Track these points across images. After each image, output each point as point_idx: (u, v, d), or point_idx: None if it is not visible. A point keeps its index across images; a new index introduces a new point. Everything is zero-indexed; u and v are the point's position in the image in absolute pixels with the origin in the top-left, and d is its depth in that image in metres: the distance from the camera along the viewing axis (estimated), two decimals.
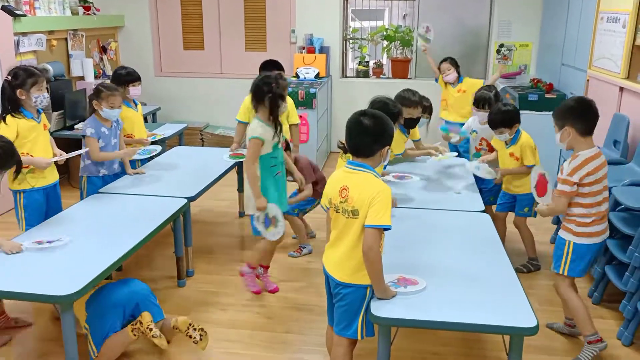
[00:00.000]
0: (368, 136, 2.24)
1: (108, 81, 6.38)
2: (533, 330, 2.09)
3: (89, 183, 3.67)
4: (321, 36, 6.80)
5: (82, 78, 6.19)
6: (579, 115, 2.70)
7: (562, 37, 5.56)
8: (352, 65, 7.47)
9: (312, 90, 5.73)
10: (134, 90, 4.16)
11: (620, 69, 4.12)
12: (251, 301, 3.50)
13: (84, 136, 3.61)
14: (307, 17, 6.84)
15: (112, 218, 3.16)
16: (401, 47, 7.07)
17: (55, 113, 5.29)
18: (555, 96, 5.37)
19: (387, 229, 2.21)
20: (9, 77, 3.14)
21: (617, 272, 3.18)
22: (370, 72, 7.19)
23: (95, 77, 6.39)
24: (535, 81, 5.90)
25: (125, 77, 4.14)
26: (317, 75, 6.36)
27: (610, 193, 3.29)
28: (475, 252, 2.68)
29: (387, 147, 2.32)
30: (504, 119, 3.64)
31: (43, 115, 3.32)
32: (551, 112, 5.17)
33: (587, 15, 4.89)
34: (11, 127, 3.09)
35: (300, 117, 5.72)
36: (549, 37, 6.08)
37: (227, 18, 7.02)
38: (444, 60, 5.33)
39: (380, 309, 2.21)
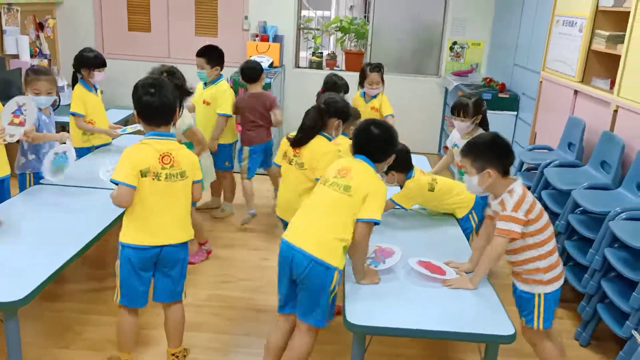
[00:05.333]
0: (378, 145, 2.42)
1: (45, 62, 6.03)
2: (510, 339, 2.07)
3: (36, 181, 3.35)
4: (275, 24, 6.62)
5: (16, 56, 5.73)
6: (502, 154, 2.36)
7: (515, 38, 5.65)
8: (304, 55, 7.34)
9: (267, 80, 5.54)
10: (98, 75, 3.88)
11: (575, 73, 4.21)
12: (208, 301, 3.34)
13: None
14: (261, 3, 6.63)
15: (56, 213, 2.90)
16: (355, 40, 7.00)
17: None
18: (508, 96, 5.47)
19: (377, 223, 2.30)
20: None
21: (574, 274, 3.24)
22: (324, 64, 7.08)
23: (31, 56, 5.93)
24: (488, 80, 5.98)
25: (93, 61, 3.85)
26: (271, 65, 6.18)
27: (569, 195, 3.37)
28: (446, 258, 2.62)
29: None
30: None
31: None
32: (505, 112, 5.28)
33: (542, 18, 4.98)
34: None
35: None
36: (501, 37, 6.18)
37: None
38: (375, 68, 4.40)
39: (356, 316, 2.12)
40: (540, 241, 2.33)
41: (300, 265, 2.25)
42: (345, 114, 3.03)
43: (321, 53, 7.11)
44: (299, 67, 7.03)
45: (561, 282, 2.42)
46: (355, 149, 2.45)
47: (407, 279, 2.42)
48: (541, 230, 2.33)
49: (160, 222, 2.45)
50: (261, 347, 2.90)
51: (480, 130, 3.51)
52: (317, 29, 7.08)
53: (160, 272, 2.54)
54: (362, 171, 2.35)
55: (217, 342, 2.96)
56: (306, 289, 2.28)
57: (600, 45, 3.99)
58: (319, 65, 7.03)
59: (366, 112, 4.33)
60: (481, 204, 3.16)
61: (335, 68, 7.04)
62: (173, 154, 2.41)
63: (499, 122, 5.39)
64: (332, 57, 7.10)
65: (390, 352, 2.92)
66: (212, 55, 4.15)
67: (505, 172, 2.35)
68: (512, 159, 2.40)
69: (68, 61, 6.76)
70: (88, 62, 3.82)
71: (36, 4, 6.17)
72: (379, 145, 2.42)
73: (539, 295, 2.38)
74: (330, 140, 2.99)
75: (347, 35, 6.98)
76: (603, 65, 4.08)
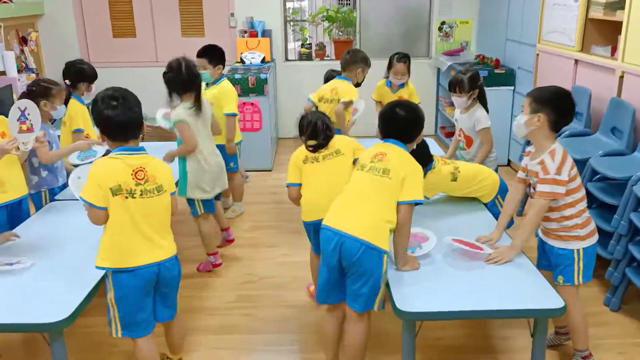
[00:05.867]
0: (405, 126, 2.42)
1: (33, 76, 5.90)
2: (561, 311, 2.09)
3: (51, 197, 3.27)
4: (262, 19, 6.55)
5: (2, 73, 5.60)
6: (561, 107, 2.39)
7: (505, 13, 5.66)
8: (291, 47, 7.28)
9: (262, 76, 5.50)
10: (94, 88, 3.77)
11: (575, 42, 4.23)
12: (236, 302, 3.32)
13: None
14: None
15: (79, 229, 2.81)
16: (343, 28, 6.96)
17: None
18: (504, 71, 5.48)
19: (419, 203, 2.30)
20: None
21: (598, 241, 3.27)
22: (313, 55, 7.03)
23: (18, 71, 5.81)
24: (481, 57, 5.99)
25: (90, 73, 3.74)
26: (263, 60, 6.13)
27: (584, 164, 3.39)
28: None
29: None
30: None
31: (2, 121, 2.88)
32: (502, 87, 5.27)
33: None
34: None
35: (252, 104, 5.52)
36: (490, 13, 6.19)
37: (159, 2, 6.60)
38: (402, 59, 4.32)
39: (405, 302, 2.12)
40: (578, 198, 2.42)
41: (352, 251, 2.21)
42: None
43: (310, 44, 7.06)
44: (288, 60, 6.98)
45: (596, 237, 2.50)
46: (384, 132, 2.46)
47: (444, 262, 2.42)
48: (579, 188, 2.42)
49: (143, 240, 2.25)
50: (297, 343, 2.93)
51: (479, 105, 3.57)
52: (304, 20, 7.03)
53: (160, 293, 2.38)
54: (397, 154, 2.36)
55: (252, 343, 2.95)
56: (358, 274, 2.24)
57: (597, 13, 4.00)
58: (308, 57, 6.98)
59: (391, 100, 4.34)
60: (506, 188, 3.17)
61: (325, 58, 7.00)
62: (146, 169, 2.22)
63: (497, 97, 5.41)
64: (321, 47, 7.05)
65: (433, 336, 2.93)
66: (213, 55, 4.09)
67: (554, 127, 2.41)
68: (569, 121, 2.46)
69: (53, 74, 6.68)
70: (86, 76, 3.70)
71: (18, 18, 6.04)
72: (407, 126, 2.43)
73: (578, 251, 2.45)
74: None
75: (335, 24, 6.94)
76: (601, 33, 4.10)
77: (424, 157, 2.92)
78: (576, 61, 4.26)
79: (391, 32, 6.88)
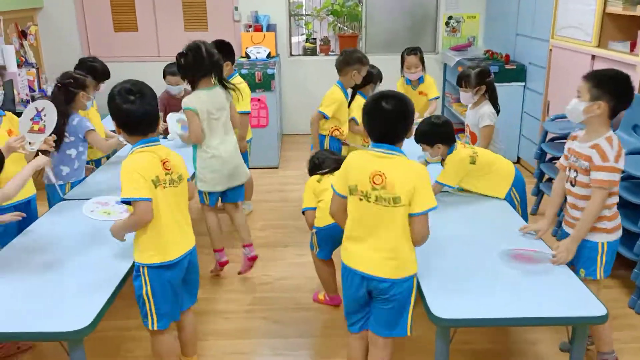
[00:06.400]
0: (394, 120, 2.08)
1: (33, 71, 5.75)
2: (603, 319, 2.00)
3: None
4: (266, 13, 6.43)
5: (2, 68, 5.46)
6: (621, 94, 2.29)
7: (516, 8, 5.57)
8: (295, 41, 7.17)
9: (269, 71, 5.39)
10: (103, 87, 3.67)
11: (592, 37, 4.15)
12: (253, 305, 3.23)
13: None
14: None
15: (91, 230, 2.70)
16: (348, 22, 6.86)
17: None
18: (515, 67, 5.40)
19: (435, 208, 2.08)
20: None
21: (620, 243, 3.19)
22: (318, 49, 6.93)
23: (18, 66, 5.67)
24: (490, 52, 5.91)
25: (102, 71, 3.68)
26: (269, 55, 6.02)
27: None
28: (510, 241, 2.53)
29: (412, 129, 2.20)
30: (425, 132, 2.95)
31: (10, 119, 2.79)
32: (513, 83, 5.21)
33: None
34: None
35: (258, 100, 5.42)
36: (499, 7, 6.10)
37: None
38: (412, 51, 4.31)
39: (441, 309, 2.03)
40: (616, 190, 2.37)
41: (381, 290, 2.11)
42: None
43: (314, 39, 6.96)
44: (292, 55, 6.87)
45: (620, 233, 2.45)
46: (371, 131, 2.12)
47: (479, 266, 2.32)
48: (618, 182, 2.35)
49: (179, 229, 2.29)
50: (315, 347, 2.85)
51: (487, 102, 3.53)
52: (309, 15, 6.92)
53: (186, 280, 2.40)
54: (397, 168, 2.05)
55: (270, 348, 2.86)
56: (389, 305, 2.13)
57: (616, 8, 3.92)
58: (313, 52, 6.88)
59: (413, 97, 4.26)
60: (522, 181, 3.10)
61: (330, 53, 6.89)
62: (169, 159, 2.25)
63: (507, 93, 5.34)
64: (326, 42, 6.95)
65: (458, 340, 2.84)
66: (223, 51, 3.93)
67: (613, 114, 2.32)
68: (627, 106, 2.36)
69: (52, 68, 6.54)
70: (99, 74, 3.61)
71: (17, 11, 5.89)
72: (397, 122, 2.07)
73: (602, 244, 2.40)
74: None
75: (339, 18, 6.84)
76: (620, 28, 4.03)
77: (450, 136, 2.93)
78: (593, 57, 4.18)
79: (397, 27, 6.78)
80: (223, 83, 3.21)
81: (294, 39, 7.13)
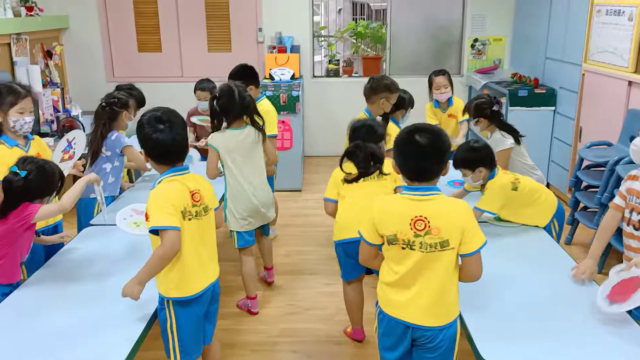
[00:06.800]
0: (432, 157, 1.93)
1: (57, 91, 5.76)
2: None
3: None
4: (290, 34, 6.41)
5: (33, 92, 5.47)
6: None
7: (545, 31, 5.49)
8: (317, 60, 7.14)
9: (294, 94, 5.34)
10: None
11: (629, 63, 4.05)
12: (281, 337, 3.12)
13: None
14: (274, 14, 6.43)
15: (122, 257, 2.63)
16: (372, 44, 6.82)
17: None
18: (544, 91, 5.29)
19: (485, 245, 1.95)
20: None
21: None
22: (341, 71, 6.88)
23: (43, 86, 5.68)
24: (519, 76, 5.82)
25: (140, 97, 3.74)
26: (293, 77, 5.98)
27: None
28: (561, 282, 2.39)
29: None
30: (465, 158, 2.87)
31: (38, 142, 2.77)
32: (542, 107, 5.10)
33: (578, 9, 4.82)
34: None
35: (283, 122, 5.36)
36: (527, 31, 6.02)
37: (186, 17, 6.47)
38: (440, 72, 4.26)
39: (492, 355, 1.91)
40: None
41: (428, 338, 1.99)
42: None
43: (337, 60, 6.92)
44: (315, 76, 6.83)
45: None
46: (406, 172, 1.97)
47: (528, 308, 2.18)
48: None
49: (200, 263, 2.20)
50: None
51: (496, 129, 3.46)
52: (332, 36, 6.89)
53: (206, 311, 2.31)
54: (440, 210, 1.91)
55: None
56: (435, 354, 2.00)
57: None
58: (336, 73, 6.83)
59: (443, 120, 4.18)
60: (563, 211, 2.99)
61: (353, 75, 6.85)
62: (200, 191, 2.18)
63: (537, 118, 5.25)
64: (349, 63, 6.91)
65: None
66: (246, 75, 3.82)
67: None
68: None
69: (76, 88, 6.56)
70: (135, 101, 3.59)
71: (43, 32, 5.92)
72: (435, 159, 1.92)
73: None
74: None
75: (363, 40, 6.80)
76: None
77: (492, 160, 2.85)
78: (630, 83, 4.07)
79: (421, 49, 6.72)
80: (255, 123, 3.15)
81: (316, 59, 7.11)
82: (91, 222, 3.08)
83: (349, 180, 2.74)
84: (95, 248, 2.74)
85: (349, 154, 2.79)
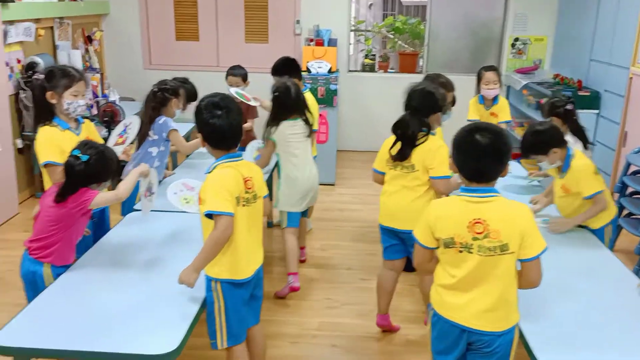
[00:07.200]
0: (492, 158, 1.89)
1: (97, 76, 5.81)
2: None
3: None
4: (327, 27, 6.37)
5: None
6: None
7: (591, 32, 5.36)
8: (354, 58, 7.10)
9: (332, 87, 5.31)
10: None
11: None
12: (320, 331, 3.10)
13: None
14: (313, 7, 6.39)
15: (168, 243, 2.64)
16: (410, 40, 6.75)
17: None
18: (589, 93, 5.17)
19: (545, 250, 1.90)
20: (41, 76, 2.60)
21: None
22: (376, 66, 6.82)
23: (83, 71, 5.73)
24: (561, 77, 5.70)
25: (193, 91, 3.84)
26: (330, 70, 5.93)
27: None
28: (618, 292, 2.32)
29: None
30: (533, 143, 2.77)
31: (88, 126, 2.79)
32: (586, 110, 4.99)
33: (628, 10, 4.69)
34: (49, 141, 2.55)
35: (320, 115, 5.31)
36: (571, 31, 5.89)
37: (224, 6, 6.48)
38: (490, 68, 4.14)
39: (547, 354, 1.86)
40: None
41: (484, 343, 1.94)
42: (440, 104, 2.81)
43: (374, 55, 6.86)
44: (350, 70, 6.78)
45: None
46: (465, 173, 1.92)
47: (588, 319, 2.11)
48: None
49: (251, 248, 2.26)
50: None
51: (568, 133, 3.29)
52: (370, 31, 6.83)
53: (251, 296, 2.33)
54: (500, 213, 1.86)
55: None
56: (490, 358, 1.96)
57: None
58: (372, 68, 6.78)
59: (484, 117, 4.12)
60: (616, 222, 2.91)
61: (389, 70, 6.78)
62: (252, 178, 2.22)
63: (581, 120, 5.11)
64: (385, 59, 6.85)
65: None
66: (290, 68, 3.81)
67: None
68: None
69: (114, 74, 6.61)
70: (187, 95, 3.63)
71: (85, 17, 5.98)
72: (495, 160, 1.89)
73: None
74: (434, 134, 2.76)
75: (401, 35, 6.74)
76: None
77: (561, 140, 2.74)
78: None
79: (459, 47, 6.63)
80: (306, 118, 3.39)
81: (351, 52, 7.07)
82: (134, 207, 3.10)
83: (393, 156, 2.74)
84: (140, 233, 2.75)
85: (399, 126, 2.74)
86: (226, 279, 2.18)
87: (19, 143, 4.77)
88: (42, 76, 2.60)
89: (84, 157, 2.25)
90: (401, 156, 2.72)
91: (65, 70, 2.64)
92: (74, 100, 2.62)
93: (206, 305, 2.21)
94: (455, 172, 2.01)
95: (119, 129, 2.96)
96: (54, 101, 2.60)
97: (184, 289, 2.15)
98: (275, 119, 3.31)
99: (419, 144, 2.69)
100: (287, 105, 3.28)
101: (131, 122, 2.92)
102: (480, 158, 1.89)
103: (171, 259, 2.48)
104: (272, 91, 3.33)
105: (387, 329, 3.07)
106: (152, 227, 2.82)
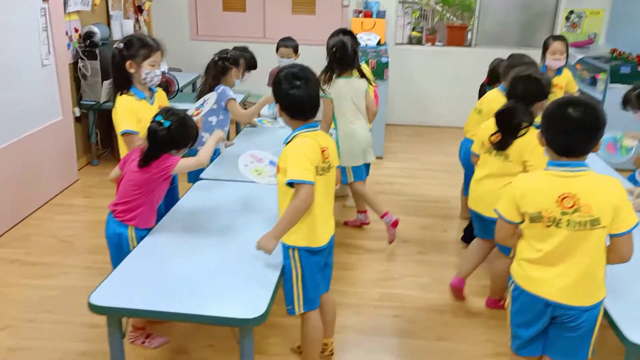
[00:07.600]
0: (584, 132, 1.85)
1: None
2: None
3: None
4: None
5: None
6: None
7: None
8: (401, 31, 6.98)
9: (383, 60, 5.25)
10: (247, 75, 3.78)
11: None
12: (381, 301, 3.13)
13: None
14: None
15: (245, 211, 2.69)
16: (459, 12, 6.61)
17: (107, 82, 4.74)
18: None
19: (637, 225, 1.88)
20: (121, 45, 2.63)
21: None
22: (424, 39, 6.72)
23: None
24: (619, 52, 5.53)
25: (253, 61, 3.90)
26: (379, 43, 5.87)
27: None
28: None
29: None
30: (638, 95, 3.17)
31: (160, 95, 2.83)
32: None
33: None
34: (128, 110, 2.60)
35: None
36: (630, 4, 5.69)
37: None
38: (558, 38, 4.04)
39: (635, 332, 1.86)
40: None
41: (569, 317, 1.93)
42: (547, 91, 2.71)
43: (421, 28, 6.75)
44: (397, 43, 6.69)
45: None
46: (555, 147, 1.89)
47: None
48: None
49: (327, 216, 2.31)
50: (457, 353, 2.72)
51: None
52: (417, 2, 6.71)
53: (325, 263, 2.39)
54: (591, 187, 1.84)
55: (410, 349, 2.76)
56: (575, 334, 1.95)
57: None
58: (419, 41, 6.67)
59: None
60: None
61: (436, 43, 6.67)
62: (328, 148, 2.23)
63: None
64: (432, 32, 6.73)
65: None
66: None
67: None
68: None
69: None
70: (247, 63, 3.69)
71: None
72: (588, 135, 1.85)
73: None
74: (537, 127, 2.68)
75: (449, 8, 6.60)
76: None
77: None
78: None
79: (510, 20, 6.48)
80: (361, 72, 3.50)
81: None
82: (201, 175, 3.15)
83: (493, 143, 2.69)
84: (210, 201, 2.81)
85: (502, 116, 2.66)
86: (304, 246, 2.22)
87: (77, 112, 4.87)
88: (121, 45, 2.63)
89: (167, 123, 2.29)
90: (502, 146, 2.67)
91: (144, 40, 2.67)
92: (151, 70, 2.66)
93: (284, 273, 2.26)
94: (543, 146, 1.97)
95: (199, 102, 3.00)
96: (132, 70, 2.64)
97: (258, 255, 2.20)
98: (331, 76, 3.41)
99: (520, 135, 2.63)
100: (344, 60, 3.38)
101: (209, 98, 2.96)
102: (572, 132, 1.86)
103: (241, 227, 2.54)
104: (328, 48, 3.42)
105: (456, 293, 3.11)
106: (221, 195, 2.88)
